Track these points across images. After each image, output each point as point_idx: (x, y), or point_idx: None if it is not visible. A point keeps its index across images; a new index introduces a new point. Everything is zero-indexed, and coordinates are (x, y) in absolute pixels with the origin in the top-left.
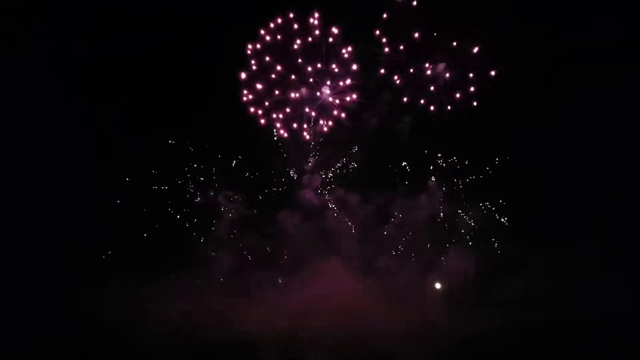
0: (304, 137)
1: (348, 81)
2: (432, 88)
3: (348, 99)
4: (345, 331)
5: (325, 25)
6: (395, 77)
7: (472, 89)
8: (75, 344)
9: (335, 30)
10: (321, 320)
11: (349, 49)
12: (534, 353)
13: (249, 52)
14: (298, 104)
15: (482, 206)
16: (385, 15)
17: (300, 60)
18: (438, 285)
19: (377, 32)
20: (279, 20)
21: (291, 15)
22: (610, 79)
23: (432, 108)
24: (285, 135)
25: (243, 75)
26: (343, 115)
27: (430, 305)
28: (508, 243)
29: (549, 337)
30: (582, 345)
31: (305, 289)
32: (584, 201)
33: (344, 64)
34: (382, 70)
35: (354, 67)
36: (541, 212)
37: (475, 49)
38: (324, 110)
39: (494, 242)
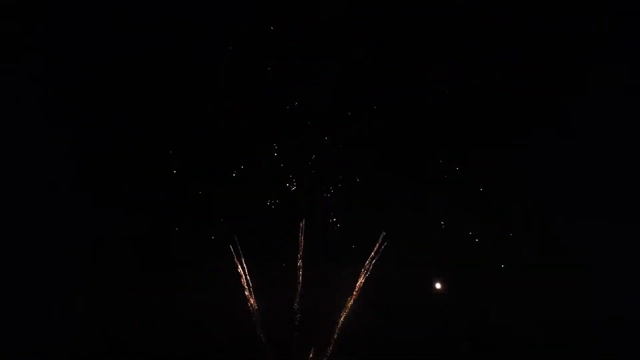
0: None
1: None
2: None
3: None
4: (344, 331)
5: None
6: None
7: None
8: (73, 344)
9: None
10: (321, 321)
11: None
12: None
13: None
14: None
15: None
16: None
17: None
18: (438, 286)
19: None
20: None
21: None
22: (610, 79)
23: None
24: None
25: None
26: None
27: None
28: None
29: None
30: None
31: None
32: (587, 204)
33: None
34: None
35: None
36: (542, 215)
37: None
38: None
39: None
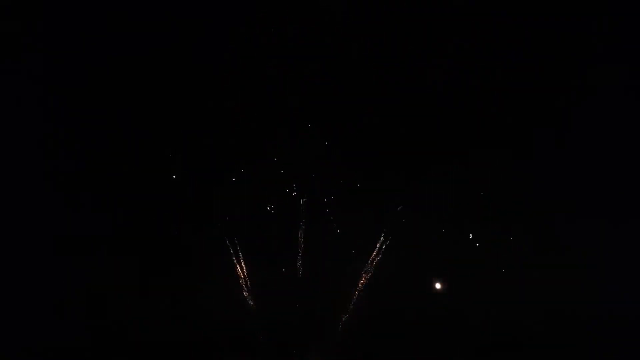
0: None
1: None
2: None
3: None
4: (344, 331)
5: None
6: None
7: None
8: (73, 344)
9: None
10: (320, 322)
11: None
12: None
13: None
14: None
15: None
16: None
17: None
18: (438, 286)
19: None
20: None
21: None
22: (610, 79)
23: None
24: None
25: None
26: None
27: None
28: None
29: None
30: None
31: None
32: (587, 204)
33: None
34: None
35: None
36: (542, 215)
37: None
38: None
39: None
